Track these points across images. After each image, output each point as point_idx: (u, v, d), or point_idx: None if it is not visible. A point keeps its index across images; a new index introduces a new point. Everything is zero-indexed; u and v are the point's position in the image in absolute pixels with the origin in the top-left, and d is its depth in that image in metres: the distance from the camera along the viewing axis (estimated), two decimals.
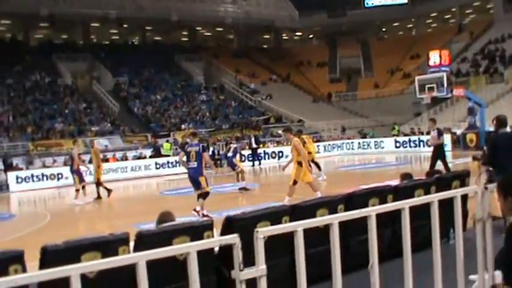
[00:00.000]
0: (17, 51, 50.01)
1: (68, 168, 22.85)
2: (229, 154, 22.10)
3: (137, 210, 18.78)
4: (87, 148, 36.50)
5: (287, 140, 22.05)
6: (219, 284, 6.01)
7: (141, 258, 3.30)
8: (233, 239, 3.52)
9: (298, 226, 3.79)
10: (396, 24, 70.11)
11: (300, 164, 15.14)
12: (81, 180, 21.04)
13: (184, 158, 14.41)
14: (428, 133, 20.01)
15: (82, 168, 21.67)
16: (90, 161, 24.18)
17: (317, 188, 15.14)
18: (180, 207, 14.45)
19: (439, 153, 18.15)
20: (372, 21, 66.55)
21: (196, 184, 14.23)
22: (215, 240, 3.75)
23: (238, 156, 22.89)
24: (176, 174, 31.52)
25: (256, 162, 34.56)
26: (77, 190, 20.73)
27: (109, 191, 21.30)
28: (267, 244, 3.69)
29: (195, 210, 13.94)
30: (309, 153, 19.81)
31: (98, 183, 21.31)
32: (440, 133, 18.54)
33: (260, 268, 3.58)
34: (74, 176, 21.25)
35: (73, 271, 3.16)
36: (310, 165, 17.94)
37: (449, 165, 18.54)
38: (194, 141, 14.70)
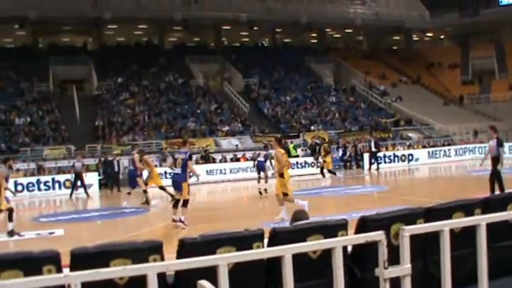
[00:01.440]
0: (152, 54, 51.97)
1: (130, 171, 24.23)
2: (261, 159, 23.63)
3: (266, 210, 19.09)
4: (217, 147, 37.47)
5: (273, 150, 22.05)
6: (350, 284, 5.98)
7: (286, 252, 3.37)
8: (379, 235, 3.51)
9: (444, 226, 3.72)
10: None
11: (281, 175, 15.17)
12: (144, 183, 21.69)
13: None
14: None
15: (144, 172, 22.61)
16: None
17: (292, 199, 15.07)
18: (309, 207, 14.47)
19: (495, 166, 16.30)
20: (507, 20, 63.54)
21: (179, 188, 14.97)
22: (361, 237, 3.72)
23: (268, 162, 23.83)
24: (304, 175, 31.77)
25: (374, 166, 33.83)
26: (145, 191, 21.42)
27: (172, 196, 21.48)
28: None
29: (173, 220, 15.00)
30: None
31: (161, 188, 21.60)
32: (499, 143, 16.80)
33: (405, 267, 3.54)
34: (138, 180, 21.87)
35: (220, 260, 3.27)
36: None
37: None
38: (183, 149, 15.97)
